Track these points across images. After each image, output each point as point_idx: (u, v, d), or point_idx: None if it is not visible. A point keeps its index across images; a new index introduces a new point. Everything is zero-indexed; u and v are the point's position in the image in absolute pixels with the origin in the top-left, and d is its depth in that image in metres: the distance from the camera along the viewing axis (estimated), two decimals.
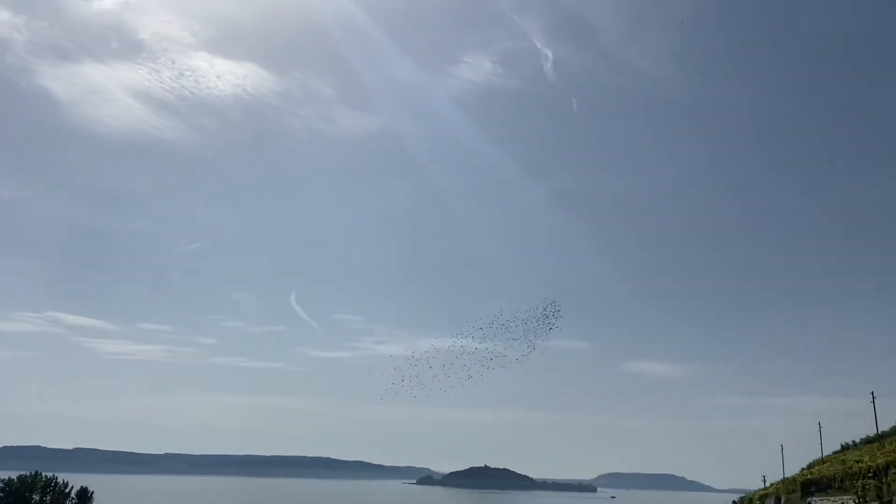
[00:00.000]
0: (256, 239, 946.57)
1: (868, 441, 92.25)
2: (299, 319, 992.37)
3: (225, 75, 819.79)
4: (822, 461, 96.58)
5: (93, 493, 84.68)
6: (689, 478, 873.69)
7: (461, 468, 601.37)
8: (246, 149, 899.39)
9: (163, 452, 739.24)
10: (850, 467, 61.05)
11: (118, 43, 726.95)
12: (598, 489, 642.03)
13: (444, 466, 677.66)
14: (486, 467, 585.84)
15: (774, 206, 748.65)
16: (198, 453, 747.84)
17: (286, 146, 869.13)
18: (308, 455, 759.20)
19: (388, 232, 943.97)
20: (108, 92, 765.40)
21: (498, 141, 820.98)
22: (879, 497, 40.92)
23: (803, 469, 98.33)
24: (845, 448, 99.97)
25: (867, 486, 44.95)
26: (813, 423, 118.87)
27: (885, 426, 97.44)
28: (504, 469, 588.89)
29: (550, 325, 73.47)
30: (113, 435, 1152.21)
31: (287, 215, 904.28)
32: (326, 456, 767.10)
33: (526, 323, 72.74)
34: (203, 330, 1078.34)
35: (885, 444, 75.08)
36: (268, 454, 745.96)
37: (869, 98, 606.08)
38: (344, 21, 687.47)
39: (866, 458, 62.05)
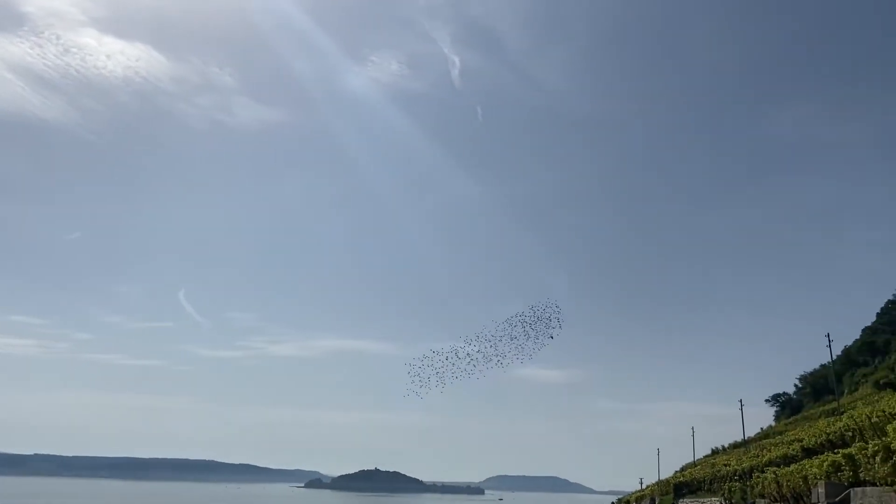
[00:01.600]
0: (144, 230, 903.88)
1: (736, 446, 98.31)
2: (187, 316, 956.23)
3: (115, 55, 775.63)
4: (693, 464, 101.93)
5: None
6: (572, 480, 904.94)
7: (351, 471, 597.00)
8: (136, 135, 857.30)
9: (32, 453, 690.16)
10: (719, 470, 64.62)
11: None
12: (486, 491, 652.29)
13: (334, 469, 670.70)
14: (377, 470, 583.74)
15: (658, 219, 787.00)
16: (70, 454, 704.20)
17: (181, 135, 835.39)
18: (190, 458, 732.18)
19: (286, 228, 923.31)
20: None
21: (403, 143, 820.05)
22: (744, 499, 43.59)
23: (676, 472, 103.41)
24: (715, 452, 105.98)
25: (733, 489, 47.74)
26: (687, 428, 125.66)
27: (751, 432, 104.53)
28: (394, 472, 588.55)
29: (551, 329, 71.65)
30: None
31: (180, 207, 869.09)
32: (210, 459, 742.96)
33: (528, 327, 70.91)
34: (80, 324, 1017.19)
35: (750, 448, 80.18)
36: (146, 456, 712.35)
37: (757, 120, 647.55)
38: (247, 9, 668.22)
39: (733, 462, 65.93)
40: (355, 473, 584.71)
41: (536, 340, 69.86)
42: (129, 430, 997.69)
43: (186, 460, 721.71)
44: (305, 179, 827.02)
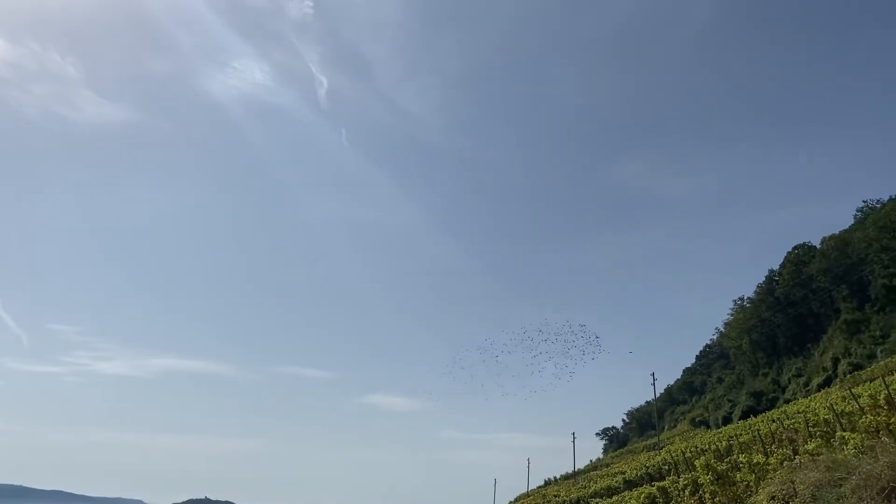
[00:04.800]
0: None
1: (567, 477, 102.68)
2: (2, 326, 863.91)
3: None
4: (527, 495, 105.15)
5: None
6: None
7: (179, 500, 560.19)
8: None
9: None
10: (549, 501, 67.11)
11: None
12: None
13: (160, 498, 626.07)
14: (207, 499, 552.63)
15: (506, 257, 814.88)
16: None
17: (11, 125, 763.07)
18: None
19: (126, 235, 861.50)
20: None
21: (257, 155, 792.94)
22: None
23: (511, 502, 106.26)
24: (548, 483, 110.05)
25: None
26: (525, 459, 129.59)
27: (583, 463, 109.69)
28: (227, 501, 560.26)
29: (584, 351, 70.54)
30: None
31: (3, 204, 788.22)
32: (18, 484, 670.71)
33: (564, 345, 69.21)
34: None
35: (579, 480, 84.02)
36: None
37: (606, 167, 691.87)
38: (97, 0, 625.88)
39: (563, 493, 68.65)
40: (184, 503, 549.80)
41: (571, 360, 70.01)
42: None
43: None
44: (153, 185, 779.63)
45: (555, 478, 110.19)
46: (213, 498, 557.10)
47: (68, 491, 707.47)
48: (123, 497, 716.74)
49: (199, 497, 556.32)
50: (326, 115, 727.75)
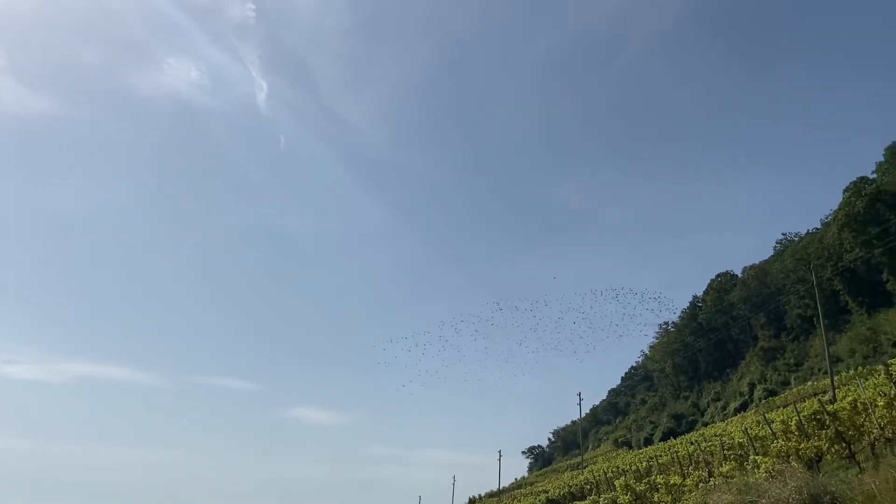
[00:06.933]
0: None
1: (492, 495, 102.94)
2: None
3: None
4: None
5: None
6: None
7: None
8: None
9: None
10: None
11: None
12: None
13: None
14: None
15: (440, 271, 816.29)
16: None
17: None
18: None
19: (44, 232, 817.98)
20: None
21: (188, 157, 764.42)
22: None
23: None
24: (472, 500, 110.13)
25: None
26: (451, 475, 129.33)
27: (508, 481, 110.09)
28: None
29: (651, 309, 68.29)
30: None
31: None
32: None
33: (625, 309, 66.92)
34: None
35: (503, 498, 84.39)
36: None
37: (536, 192, 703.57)
38: None
39: None
40: None
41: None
42: None
43: None
44: (73, 181, 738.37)
45: (479, 495, 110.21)
46: None
47: None
48: None
49: None
50: (265, 120, 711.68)
